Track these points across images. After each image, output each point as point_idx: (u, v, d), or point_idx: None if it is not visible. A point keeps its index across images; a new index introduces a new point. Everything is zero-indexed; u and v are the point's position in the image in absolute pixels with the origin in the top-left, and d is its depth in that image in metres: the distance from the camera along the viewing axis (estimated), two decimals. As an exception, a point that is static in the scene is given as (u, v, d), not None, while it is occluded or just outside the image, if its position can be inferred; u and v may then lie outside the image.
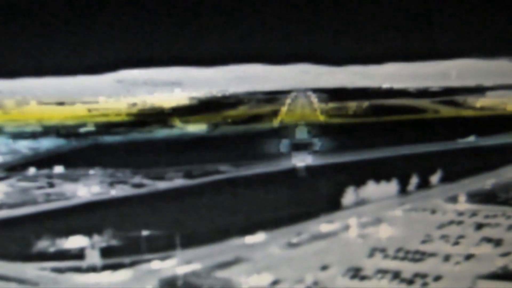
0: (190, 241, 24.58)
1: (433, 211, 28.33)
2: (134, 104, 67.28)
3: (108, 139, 44.72)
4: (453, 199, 29.54)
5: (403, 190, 27.29)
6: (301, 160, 34.03)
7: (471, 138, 39.58)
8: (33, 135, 58.18)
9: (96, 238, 25.97)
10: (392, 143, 35.68)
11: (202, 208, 27.11)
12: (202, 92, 79.68)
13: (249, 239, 26.48)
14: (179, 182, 31.23)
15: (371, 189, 27.16)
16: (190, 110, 58.27)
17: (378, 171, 30.41)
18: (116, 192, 30.36)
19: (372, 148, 34.11)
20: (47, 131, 54.74)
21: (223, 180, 30.73)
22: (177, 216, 26.35)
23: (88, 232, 25.88)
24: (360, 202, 25.97)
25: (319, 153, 35.55)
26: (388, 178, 27.62)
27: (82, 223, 27.96)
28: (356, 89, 75.42)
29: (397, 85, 74.90)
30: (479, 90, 64.29)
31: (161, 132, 46.19)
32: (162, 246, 23.77)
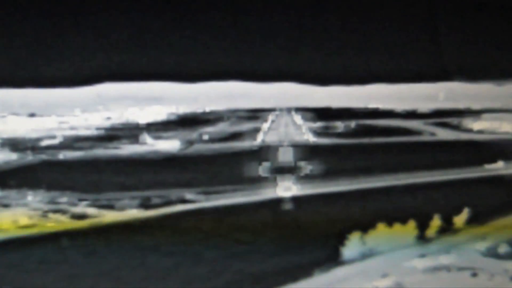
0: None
1: (474, 273, 20.34)
2: (108, 118, 67.73)
3: (68, 154, 40.48)
4: (493, 251, 20.32)
5: (422, 236, 19.98)
6: (285, 188, 26.20)
7: (500, 164, 30.95)
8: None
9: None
10: (393, 168, 30.41)
11: (147, 256, 15.92)
12: (181, 108, 78.29)
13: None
14: (131, 213, 24.35)
15: (382, 234, 20.97)
16: (165, 126, 55.46)
17: (385, 206, 23.16)
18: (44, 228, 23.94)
19: (370, 174, 28.76)
20: (3, 143, 51.14)
21: (187, 212, 23.19)
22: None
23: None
24: (368, 253, 19.33)
25: (307, 179, 28.30)
26: (401, 217, 20.97)
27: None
28: (341, 109, 75.54)
29: (383, 105, 76.37)
30: (470, 113, 65.13)
31: (128, 149, 42.12)
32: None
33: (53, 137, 49.01)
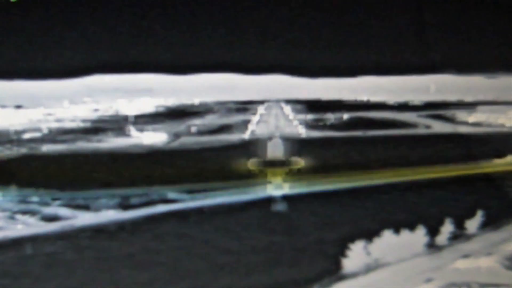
0: None
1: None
2: (96, 110, 66.16)
3: (50, 148, 38.90)
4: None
5: (432, 244, 17.69)
6: (276, 186, 23.43)
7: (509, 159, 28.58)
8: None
9: None
10: (391, 163, 28.09)
11: (119, 269, 14.42)
12: (171, 100, 76.92)
13: None
14: (107, 214, 21.95)
15: (388, 241, 18.57)
16: (153, 118, 53.85)
17: (388, 207, 20.47)
18: (9, 232, 21.59)
19: (367, 169, 26.00)
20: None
21: (168, 214, 20.23)
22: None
23: None
24: (373, 265, 16.91)
25: (299, 175, 25.37)
26: (407, 221, 18.76)
27: None
28: (332, 101, 74.94)
29: (374, 98, 76.20)
30: (464, 105, 64.11)
31: (113, 142, 40.54)
32: None
33: (38, 129, 47.64)
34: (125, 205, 21.06)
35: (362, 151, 33.36)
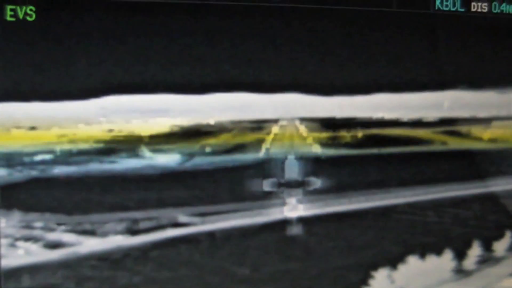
0: None
1: None
2: (110, 131, 62.19)
3: (60, 170, 36.45)
4: None
5: (460, 269, 14.01)
6: (292, 207, 20.20)
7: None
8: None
9: None
10: (409, 181, 24.56)
11: None
12: (186, 120, 72.57)
13: None
14: (114, 240, 20.49)
15: (413, 267, 15.23)
16: (167, 139, 50.56)
17: (411, 229, 17.41)
18: (9, 260, 19.27)
19: (385, 188, 22.99)
20: (-5, 159, 47.13)
21: (178, 239, 17.92)
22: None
23: None
24: None
25: (316, 195, 22.30)
26: (432, 244, 15.33)
27: None
28: (347, 119, 69.76)
29: (388, 115, 71.26)
30: (478, 121, 59.57)
31: (125, 163, 38.12)
32: None
33: (50, 151, 45.24)
34: (133, 230, 19.38)
35: (379, 168, 30.97)
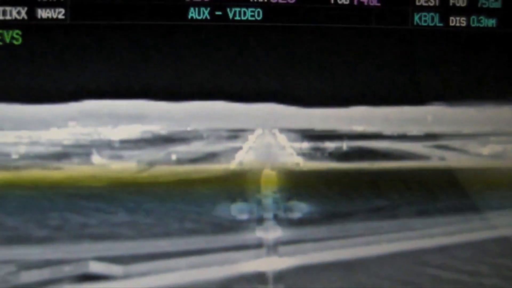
0: None
1: None
2: (74, 135, 71.66)
3: (3, 175, 36.67)
4: None
5: None
6: (269, 250, 15.70)
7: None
8: None
9: None
10: (411, 207, 18.48)
11: None
12: (160, 127, 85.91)
13: None
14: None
15: None
16: (135, 144, 53.51)
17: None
18: None
19: (382, 217, 17.65)
20: None
21: None
22: None
23: None
24: None
25: (299, 226, 17.67)
26: None
27: None
28: (327, 130, 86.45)
29: (369, 128, 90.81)
30: (474, 136, 74.33)
31: (69, 170, 37.74)
32: None
33: (6, 154, 47.25)
34: (52, 280, 16.81)
35: (374, 188, 29.67)
